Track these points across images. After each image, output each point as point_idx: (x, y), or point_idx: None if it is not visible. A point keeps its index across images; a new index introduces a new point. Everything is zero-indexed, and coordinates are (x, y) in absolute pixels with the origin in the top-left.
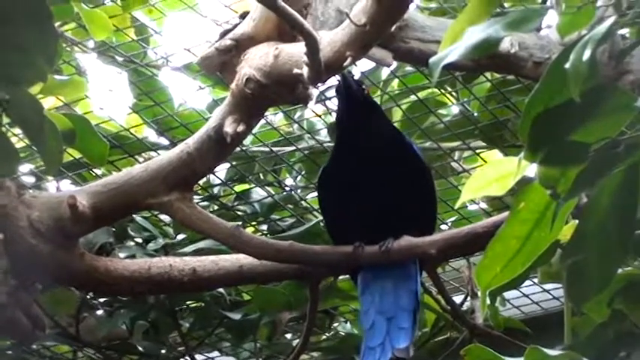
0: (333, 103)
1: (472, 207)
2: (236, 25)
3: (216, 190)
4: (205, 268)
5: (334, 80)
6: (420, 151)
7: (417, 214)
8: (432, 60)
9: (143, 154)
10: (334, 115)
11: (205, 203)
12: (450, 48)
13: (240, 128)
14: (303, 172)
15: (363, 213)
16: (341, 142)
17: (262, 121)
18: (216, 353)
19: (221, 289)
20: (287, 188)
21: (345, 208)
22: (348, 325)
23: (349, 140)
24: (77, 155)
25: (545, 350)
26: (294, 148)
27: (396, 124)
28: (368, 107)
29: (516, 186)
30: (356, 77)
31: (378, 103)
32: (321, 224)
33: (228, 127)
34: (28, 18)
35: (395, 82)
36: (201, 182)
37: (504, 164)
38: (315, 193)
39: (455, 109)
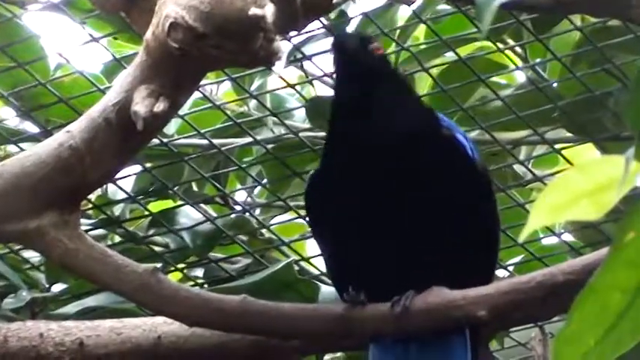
0: (317, 66)
1: (549, 240)
2: None
3: (118, 210)
4: (100, 340)
5: (318, 26)
6: (474, 146)
7: (465, 254)
8: None
9: None
10: (317, 83)
11: (101, 232)
12: None
13: (160, 107)
14: (264, 181)
15: (373, 250)
16: (336, 133)
17: (197, 95)
18: None
19: None
20: (238, 207)
21: (343, 241)
22: None
23: (348, 130)
24: None
25: None
26: (249, 139)
27: None
28: (378, 78)
29: (622, 205)
30: (347, 28)
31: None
32: (295, 267)
33: (140, 105)
34: None
35: (420, 31)
36: (93, 197)
37: (602, 168)
38: (285, 216)
39: (521, 76)
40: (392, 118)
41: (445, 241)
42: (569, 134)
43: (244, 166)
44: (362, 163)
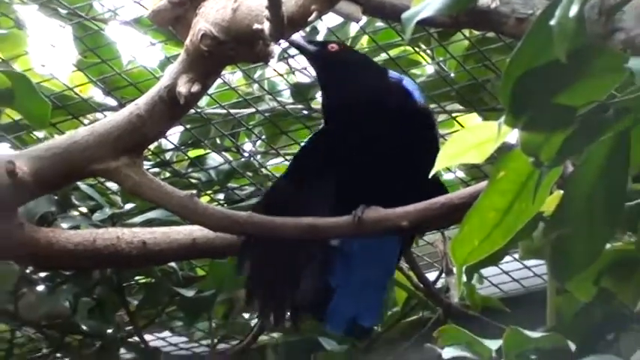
0: (297, 61)
1: (448, 176)
2: None
3: (168, 155)
4: (156, 240)
5: (298, 36)
6: (423, 96)
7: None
8: (405, 15)
9: (88, 116)
10: (298, 74)
11: (156, 170)
12: (425, 2)
13: (195, 88)
14: (263, 137)
15: (354, 175)
16: (327, 105)
17: (219, 81)
18: (167, 333)
19: (173, 264)
20: (246, 154)
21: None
22: None
23: (334, 101)
24: (16, 116)
25: (526, 332)
26: (253, 110)
27: None
28: (340, 66)
29: (496, 153)
30: (318, 37)
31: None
32: None
33: (182, 87)
34: None
35: (364, 39)
36: (151, 147)
37: (483, 129)
38: (277, 160)
39: (430, 69)
40: (361, 90)
41: (402, 168)
42: (461, 107)
43: (250, 127)
44: (348, 121)
